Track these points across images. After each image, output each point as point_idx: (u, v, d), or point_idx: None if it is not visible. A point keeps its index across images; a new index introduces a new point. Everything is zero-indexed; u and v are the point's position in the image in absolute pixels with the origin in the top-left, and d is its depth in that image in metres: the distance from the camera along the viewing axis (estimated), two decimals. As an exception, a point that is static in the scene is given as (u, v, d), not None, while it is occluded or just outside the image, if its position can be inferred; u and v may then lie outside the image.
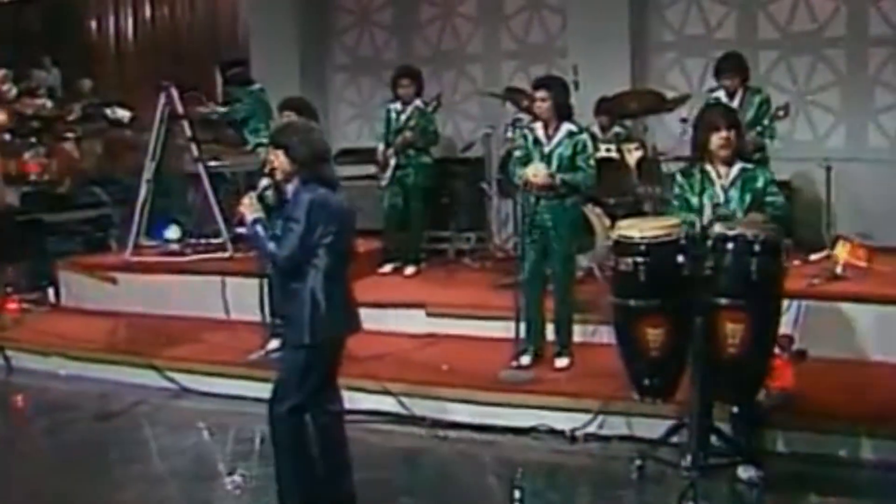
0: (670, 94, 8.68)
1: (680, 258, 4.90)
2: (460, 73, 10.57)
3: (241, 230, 5.59)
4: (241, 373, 7.12)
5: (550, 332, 6.86)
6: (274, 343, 7.31)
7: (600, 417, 6.00)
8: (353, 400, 5.98)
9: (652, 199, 8.40)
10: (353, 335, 4.89)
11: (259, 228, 4.70)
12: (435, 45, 10.77)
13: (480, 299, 7.81)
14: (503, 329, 7.16)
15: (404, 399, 6.45)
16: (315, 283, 4.66)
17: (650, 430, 5.79)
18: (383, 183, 8.80)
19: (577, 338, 6.93)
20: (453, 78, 10.53)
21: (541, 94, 6.58)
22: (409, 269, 8.89)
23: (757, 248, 4.77)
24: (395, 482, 5.62)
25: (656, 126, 9.01)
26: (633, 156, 8.31)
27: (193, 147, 9.28)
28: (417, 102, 8.79)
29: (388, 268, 8.93)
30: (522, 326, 6.73)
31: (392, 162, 8.71)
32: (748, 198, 5.13)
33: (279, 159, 4.73)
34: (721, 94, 7.66)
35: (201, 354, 7.61)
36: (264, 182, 4.85)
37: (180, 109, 9.26)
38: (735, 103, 7.51)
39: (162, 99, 9.21)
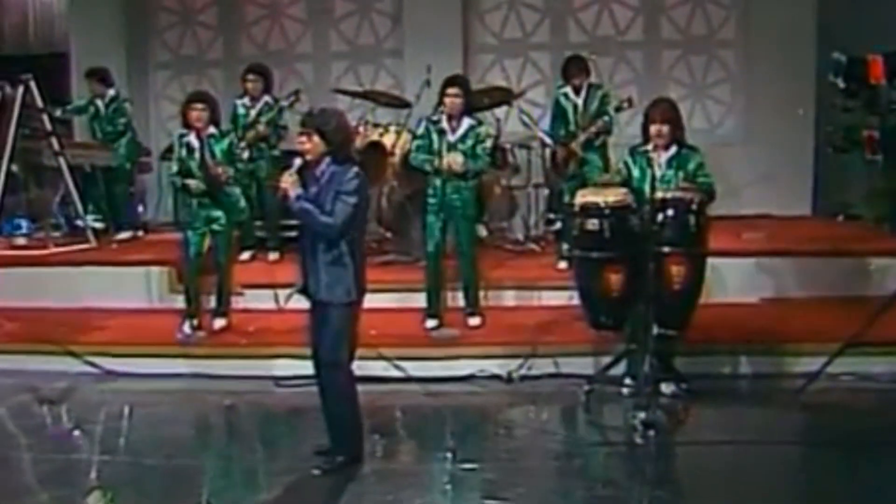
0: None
1: (632, 218, 6.15)
2: (289, 71, 11.19)
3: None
4: (175, 352, 7.55)
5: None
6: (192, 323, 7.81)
7: (530, 361, 7.09)
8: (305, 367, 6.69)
9: (499, 182, 9.61)
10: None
11: (306, 203, 5.30)
12: (262, 44, 11.36)
13: (372, 276, 8.56)
14: (394, 300, 8.08)
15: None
16: (353, 249, 5.36)
17: (576, 368, 7.01)
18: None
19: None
20: (282, 76, 11.06)
21: (455, 90, 7.46)
22: (273, 255, 9.37)
23: (694, 207, 6.13)
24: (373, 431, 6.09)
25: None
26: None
27: (54, 141, 9.36)
28: (266, 98, 9.28)
29: (246, 255, 9.32)
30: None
31: (244, 155, 9.06)
32: (681, 175, 6.39)
33: (313, 141, 5.35)
34: (569, 90, 8.89)
35: (119, 338, 7.86)
36: (298, 161, 5.45)
37: (40, 103, 9.29)
38: (581, 98, 8.85)
39: (19, 92, 9.17)
